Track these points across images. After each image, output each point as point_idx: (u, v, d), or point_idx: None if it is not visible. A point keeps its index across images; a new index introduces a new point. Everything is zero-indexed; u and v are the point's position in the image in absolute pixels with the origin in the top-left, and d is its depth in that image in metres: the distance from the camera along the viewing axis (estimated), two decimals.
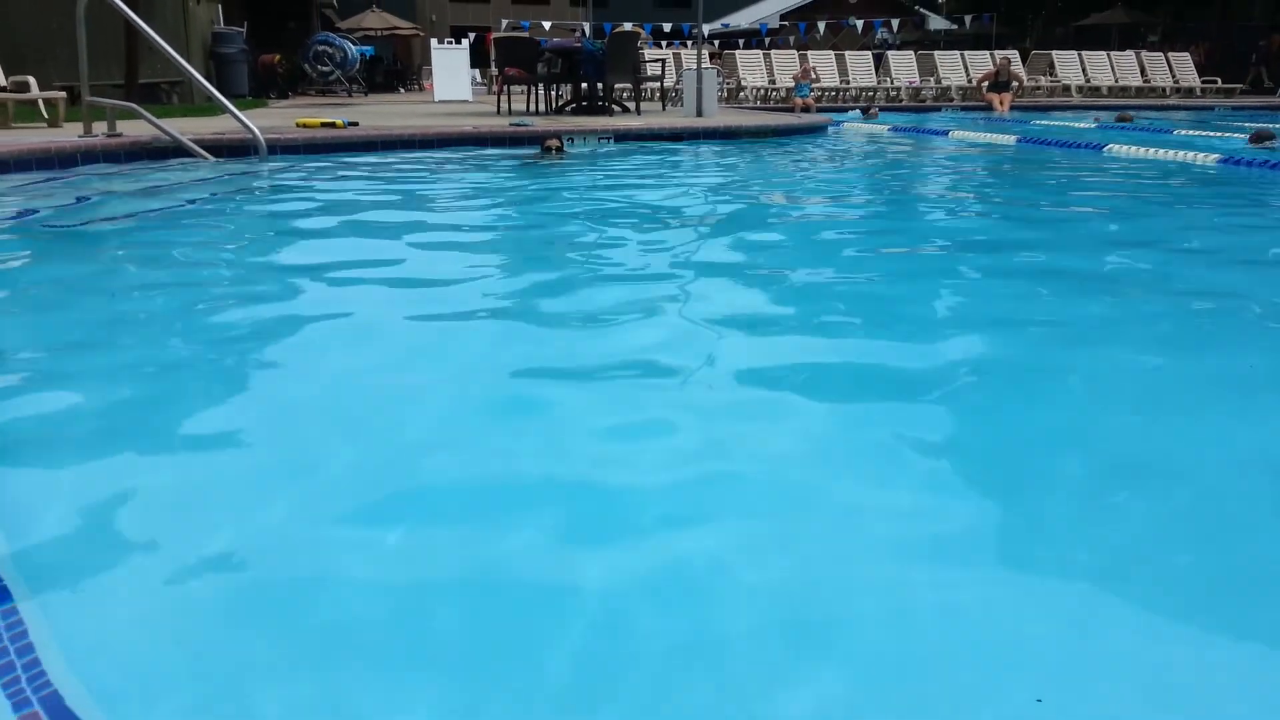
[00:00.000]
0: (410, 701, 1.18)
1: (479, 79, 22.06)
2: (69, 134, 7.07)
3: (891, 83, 17.43)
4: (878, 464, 1.93)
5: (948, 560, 1.54)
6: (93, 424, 2.12)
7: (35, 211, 4.85)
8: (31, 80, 8.56)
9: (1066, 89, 18.00)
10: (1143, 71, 18.80)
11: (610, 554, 1.56)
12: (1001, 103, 14.52)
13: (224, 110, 7.22)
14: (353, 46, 18.58)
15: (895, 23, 25.56)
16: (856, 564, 1.54)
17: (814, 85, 15.11)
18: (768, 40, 24.84)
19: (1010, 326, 3.01)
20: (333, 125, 8.25)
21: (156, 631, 1.32)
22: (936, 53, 18.84)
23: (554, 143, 7.30)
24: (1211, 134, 10.09)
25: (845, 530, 1.65)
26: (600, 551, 1.57)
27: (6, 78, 8.62)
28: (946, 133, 10.55)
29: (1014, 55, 16.31)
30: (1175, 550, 1.59)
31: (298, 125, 8.28)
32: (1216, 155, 7.37)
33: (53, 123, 8.33)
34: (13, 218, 4.67)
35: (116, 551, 1.55)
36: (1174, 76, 18.81)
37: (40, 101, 8.55)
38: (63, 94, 8.42)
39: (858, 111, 13.26)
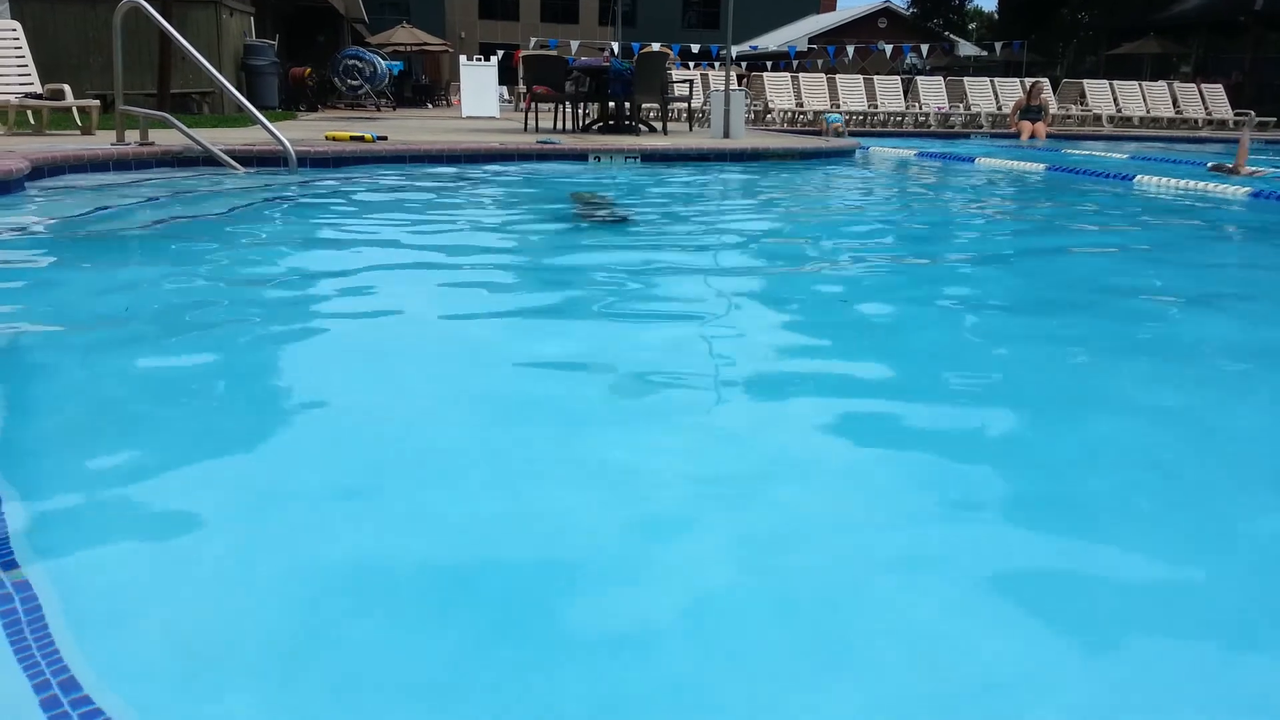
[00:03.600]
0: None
1: (506, 96, 22.18)
2: (102, 141, 7.13)
3: (920, 108, 17.36)
4: (906, 504, 1.87)
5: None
6: (113, 429, 2.08)
7: (68, 217, 4.87)
8: (66, 88, 8.65)
9: (1098, 118, 17.88)
10: (1175, 102, 18.66)
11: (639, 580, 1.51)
12: (1035, 131, 14.39)
13: (254, 121, 7.25)
14: (382, 61, 18.73)
15: (925, 48, 25.55)
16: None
17: (842, 110, 15.02)
18: (795, 63, 24.87)
19: (1042, 360, 2.94)
20: (361, 139, 8.27)
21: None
22: (966, 79, 18.78)
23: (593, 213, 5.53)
24: None
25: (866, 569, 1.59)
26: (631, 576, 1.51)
27: (42, 85, 8.71)
28: (973, 159, 10.49)
29: (1045, 82, 16.19)
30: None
31: (327, 138, 8.31)
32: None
33: (86, 130, 8.41)
34: (46, 222, 4.69)
35: (148, 552, 1.51)
36: (1206, 108, 18.65)
37: (74, 109, 8.63)
38: (96, 102, 8.50)
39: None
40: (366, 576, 1.52)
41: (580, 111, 11.93)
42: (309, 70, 17.23)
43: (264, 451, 2.05)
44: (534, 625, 1.39)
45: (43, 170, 5.86)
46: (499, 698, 1.22)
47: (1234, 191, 7.26)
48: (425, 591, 1.49)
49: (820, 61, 24.84)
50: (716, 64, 21.10)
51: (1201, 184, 7.65)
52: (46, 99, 8.53)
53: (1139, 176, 8.22)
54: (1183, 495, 1.95)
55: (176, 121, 7.02)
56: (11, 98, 8.27)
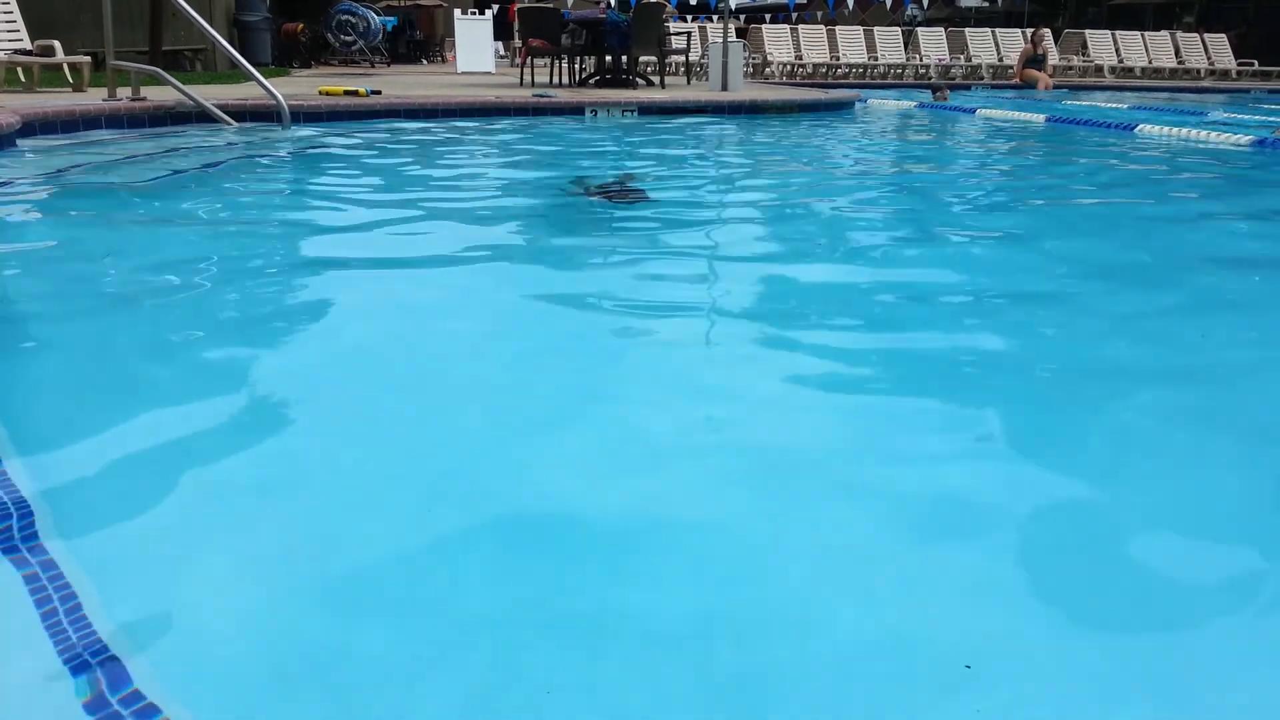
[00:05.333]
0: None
1: (502, 51, 21.86)
2: (93, 98, 7.05)
3: (921, 60, 17.16)
4: (900, 452, 1.88)
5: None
6: (108, 380, 2.09)
7: (60, 172, 4.84)
8: (57, 45, 8.53)
9: (1099, 69, 17.67)
10: (1177, 52, 18.42)
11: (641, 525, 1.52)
12: (1044, 83, 14.22)
13: (247, 77, 7.17)
14: (376, 17, 18.43)
15: None
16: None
17: (841, 62, 14.78)
18: (795, 16, 24.52)
19: (1042, 310, 2.94)
20: (356, 93, 8.18)
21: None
22: (967, 30, 18.53)
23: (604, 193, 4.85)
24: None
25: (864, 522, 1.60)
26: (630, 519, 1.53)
27: (32, 42, 8.59)
28: (973, 110, 10.40)
29: (1047, 30, 15.99)
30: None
31: (320, 93, 8.22)
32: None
33: (77, 87, 8.31)
34: (38, 178, 4.66)
35: (134, 501, 1.52)
36: (1209, 58, 18.42)
37: (65, 66, 8.53)
38: (87, 59, 8.39)
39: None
40: (378, 517, 1.53)
41: (577, 65, 11.78)
42: (302, 26, 16.98)
43: (258, 401, 2.06)
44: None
45: (34, 126, 5.81)
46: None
47: (1239, 140, 7.21)
48: (436, 526, 1.50)
49: (820, 14, 24.50)
50: (715, 17, 20.80)
51: (1204, 132, 7.59)
52: (37, 56, 8.41)
53: (1141, 125, 8.16)
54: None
55: (168, 76, 6.93)
56: (0, 54, 8.16)
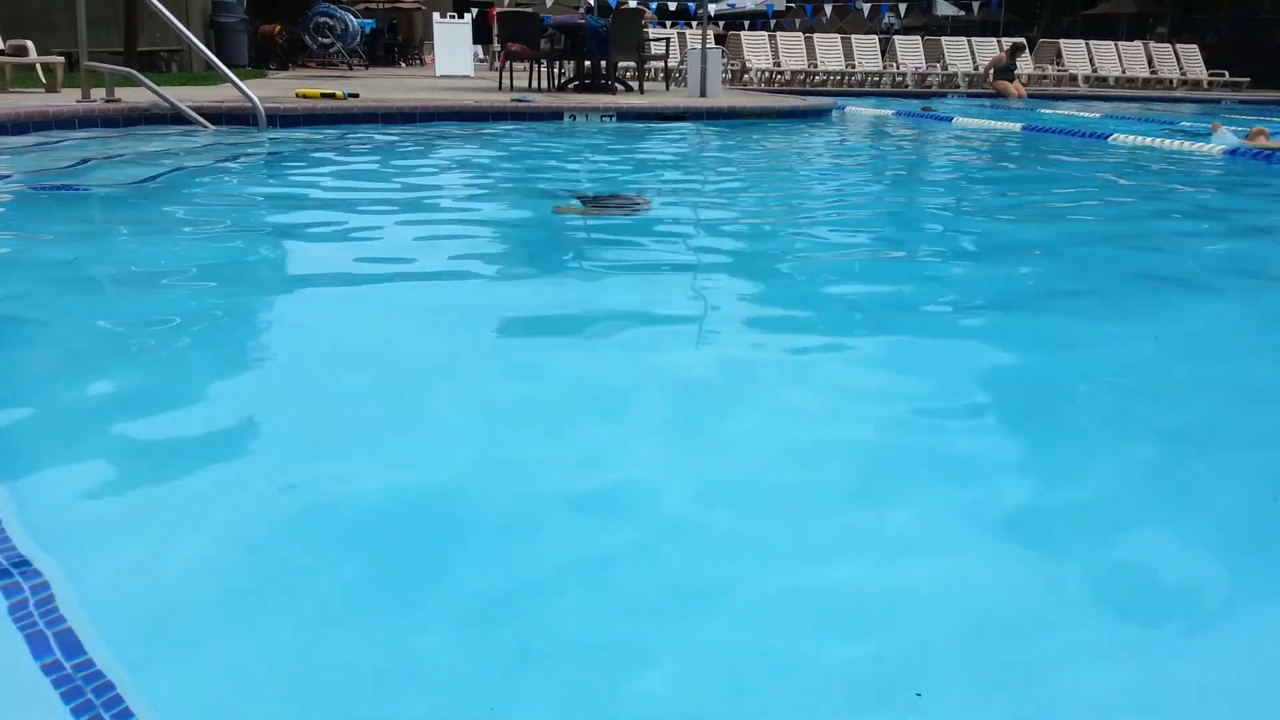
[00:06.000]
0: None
1: (481, 55, 21.82)
2: (67, 99, 6.99)
3: (897, 68, 17.30)
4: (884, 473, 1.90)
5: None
6: (82, 386, 2.08)
7: (32, 174, 4.79)
8: (30, 45, 8.45)
9: (1073, 79, 17.88)
10: (1150, 63, 18.69)
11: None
12: (1016, 91, 14.41)
13: (223, 79, 7.13)
14: (354, 19, 18.34)
15: (902, 7, 25.35)
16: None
17: (819, 69, 14.87)
18: (773, 22, 24.64)
19: (1020, 316, 2.97)
20: (333, 96, 8.15)
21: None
22: (944, 39, 18.70)
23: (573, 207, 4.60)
24: None
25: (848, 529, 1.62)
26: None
27: (4, 42, 8.51)
28: (950, 118, 10.49)
29: (1022, 42, 16.20)
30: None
31: (297, 95, 8.18)
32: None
33: (50, 88, 8.23)
34: (10, 180, 4.61)
35: (103, 514, 1.52)
36: (1181, 68, 18.70)
37: (38, 66, 8.45)
38: (61, 59, 8.32)
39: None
40: (344, 512, 1.53)
41: (556, 70, 11.79)
42: (279, 28, 16.88)
43: (230, 405, 2.05)
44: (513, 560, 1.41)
45: (5, 127, 5.75)
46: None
47: (1209, 149, 7.32)
48: (406, 523, 1.51)
49: (798, 20, 24.62)
50: (694, 23, 20.87)
51: (1174, 141, 7.70)
52: (9, 56, 8.33)
53: (1114, 135, 8.27)
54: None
55: (143, 77, 6.88)
56: None
